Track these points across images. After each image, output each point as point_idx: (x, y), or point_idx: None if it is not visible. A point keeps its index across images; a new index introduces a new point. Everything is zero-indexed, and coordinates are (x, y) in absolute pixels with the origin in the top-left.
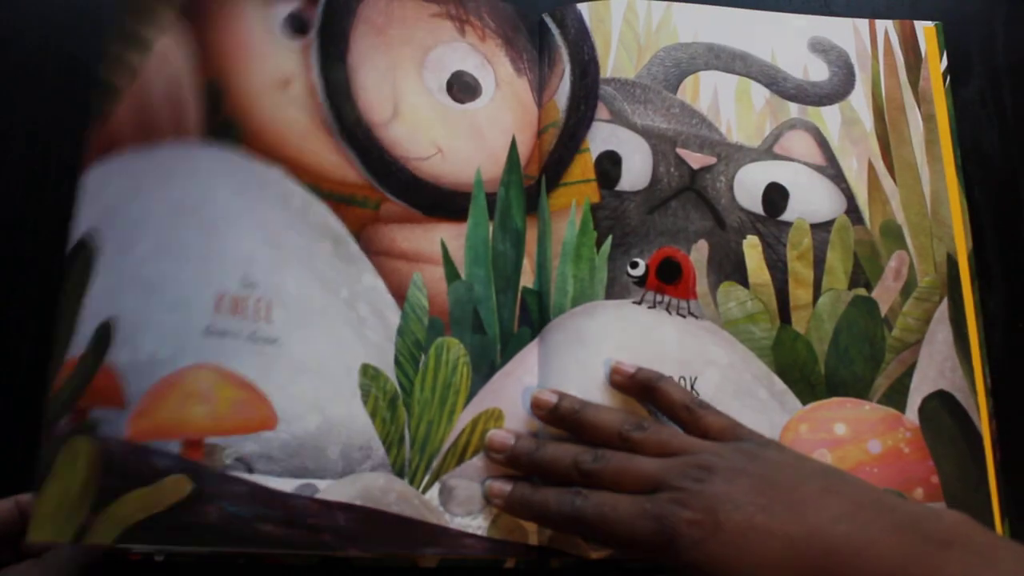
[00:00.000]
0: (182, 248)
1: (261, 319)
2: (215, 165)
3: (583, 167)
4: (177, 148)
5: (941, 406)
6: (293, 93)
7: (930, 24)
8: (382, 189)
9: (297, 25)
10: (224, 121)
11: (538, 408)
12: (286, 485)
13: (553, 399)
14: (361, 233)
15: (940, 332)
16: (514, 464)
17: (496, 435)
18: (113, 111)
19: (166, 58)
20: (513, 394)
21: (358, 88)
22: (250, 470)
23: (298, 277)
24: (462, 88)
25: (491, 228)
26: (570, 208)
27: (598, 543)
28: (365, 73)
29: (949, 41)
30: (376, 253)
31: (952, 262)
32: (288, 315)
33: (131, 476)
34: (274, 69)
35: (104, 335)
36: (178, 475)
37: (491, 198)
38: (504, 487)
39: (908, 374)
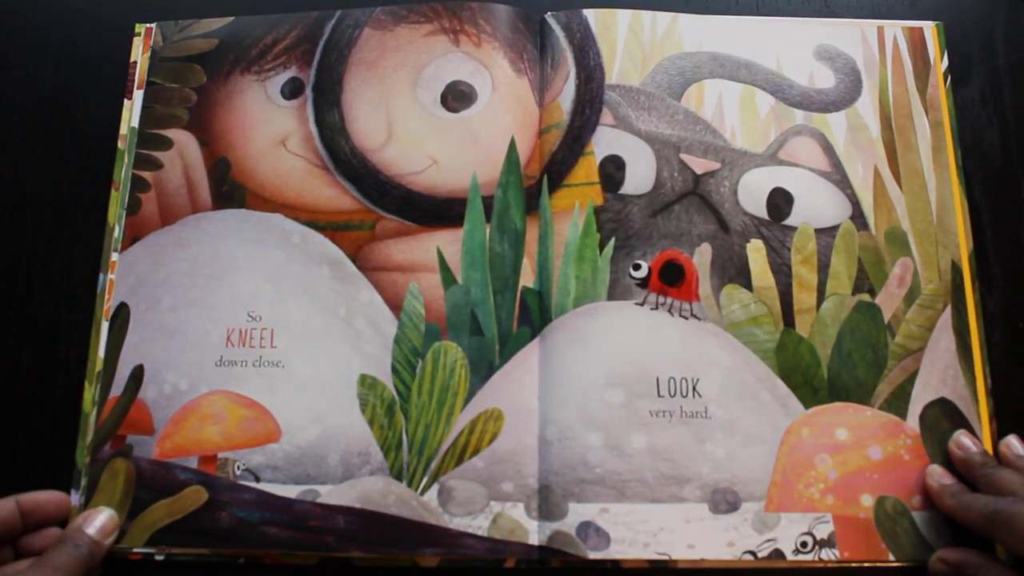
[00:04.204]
0: (197, 298)
1: (266, 346)
2: (223, 224)
3: (587, 170)
4: (192, 219)
5: (942, 414)
6: (291, 145)
7: (932, 24)
8: (377, 210)
9: (294, 88)
10: (231, 188)
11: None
12: (290, 491)
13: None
14: (358, 253)
15: (943, 340)
16: (965, 467)
17: (964, 436)
18: (142, 202)
19: (183, 150)
20: (513, 394)
21: (352, 122)
22: (257, 479)
23: (299, 304)
24: (456, 97)
25: (488, 230)
26: (573, 209)
27: (1005, 542)
28: (358, 107)
29: (949, 41)
30: (372, 269)
31: (956, 270)
32: (290, 339)
33: (158, 489)
34: (273, 131)
35: (137, 376)
36: (196, 486)
37: (488, 201)
38: (947, 479)
39: (910, 381)
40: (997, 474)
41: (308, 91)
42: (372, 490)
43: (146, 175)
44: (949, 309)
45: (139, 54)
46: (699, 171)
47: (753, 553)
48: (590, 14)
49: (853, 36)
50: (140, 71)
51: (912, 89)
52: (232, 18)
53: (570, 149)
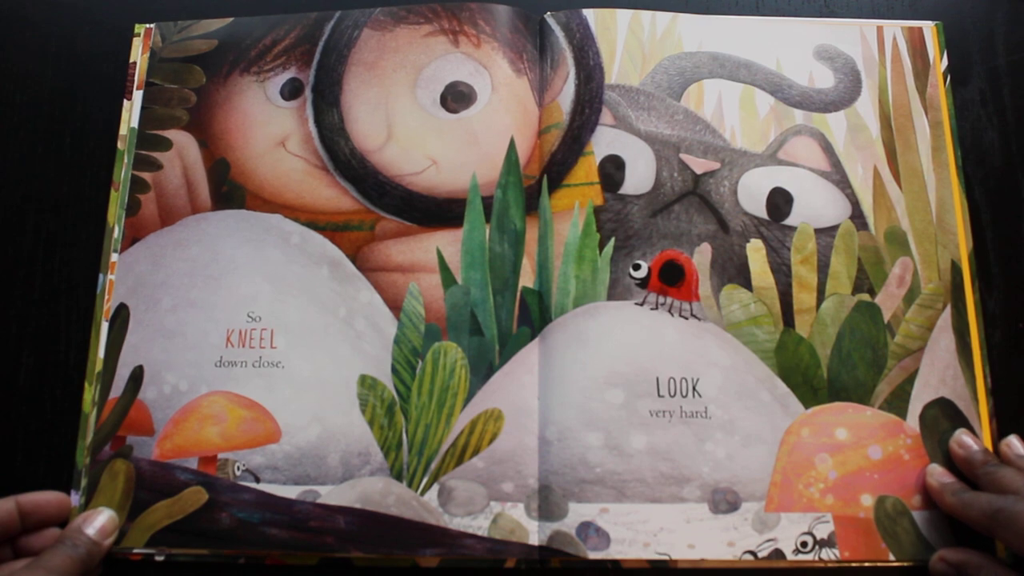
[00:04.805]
0: (196, 299)
1: (266, 347)
2: (222, 225)
3: (587, 170)
4: (191, 220)
5: (942, 414)
6: (291, 146)
7: (931, 24)
8: (377, 210)
9: (293, 88)
10: (230, 188)
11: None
12: (290, 492)
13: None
14: (358, 254)
15: (943, 339)
16: (967, 466)
17: (965, 435)
18: (141, 203)
19: (182, 151)
20: (513, 394)
21: (351, 123)
22: (257, 480)
23: (298, 305)
24: (455, 98)
25: (488, 230)
26: (573, 209)
27: (1008, 540)
28: (358, 107)
29: (949, 41)
30: (372, 270)
31: (956, 270)
32: (290, 339)
33: (158, 489)
34: (273, 132)
35: (137, 377)
36: (196, 487)
37: (488, 201)
38: (947, 477)
39: (910, 381)
40: (999, 472)
41: (307, 92)
42: (372, 490)
43: (146, 176)
44: (949, 309)
45: (139, 55)
46: (699, 171)
47: (753, 553)
48: (590, 14)
49: (853, 36)
50: (140, 72)
51: (912, 89)
52: (231, 19)
53: (570, 149)
